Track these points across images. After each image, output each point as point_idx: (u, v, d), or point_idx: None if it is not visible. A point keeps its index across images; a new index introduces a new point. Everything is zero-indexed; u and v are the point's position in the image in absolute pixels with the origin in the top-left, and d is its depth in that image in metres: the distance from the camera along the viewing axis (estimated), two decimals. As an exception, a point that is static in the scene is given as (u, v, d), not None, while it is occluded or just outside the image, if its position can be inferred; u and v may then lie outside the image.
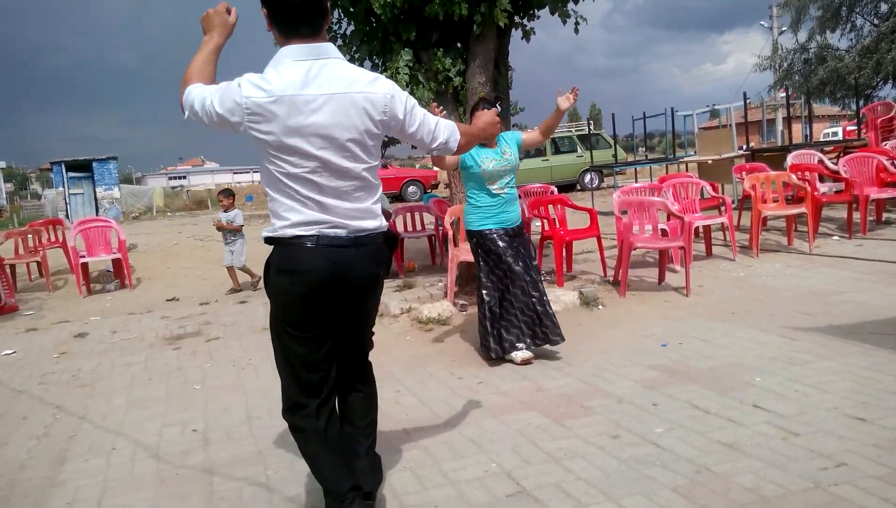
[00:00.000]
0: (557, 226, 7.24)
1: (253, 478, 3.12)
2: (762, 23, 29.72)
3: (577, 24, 6.37)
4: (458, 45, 6.14)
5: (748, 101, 13.27)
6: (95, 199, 25.61)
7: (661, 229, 6.90)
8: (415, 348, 5.13)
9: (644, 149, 21.75)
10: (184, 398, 4.45)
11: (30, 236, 10.13)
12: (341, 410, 2.57)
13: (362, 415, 2.62)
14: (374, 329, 2.63)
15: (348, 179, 2.27)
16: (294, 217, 2.23)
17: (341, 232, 2.26)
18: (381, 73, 5.01)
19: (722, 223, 7.65)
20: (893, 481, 2.53)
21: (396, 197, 22.11)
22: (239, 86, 2.15)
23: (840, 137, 22.68)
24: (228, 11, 2.37)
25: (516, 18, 6.43)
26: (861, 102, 14.02)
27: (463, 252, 5.91)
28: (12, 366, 5.52)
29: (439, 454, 3.17)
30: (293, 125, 2.16)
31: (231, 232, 8.15)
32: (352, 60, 5.40)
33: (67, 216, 22.59)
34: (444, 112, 3.73)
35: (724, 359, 4.16)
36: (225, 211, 8.26)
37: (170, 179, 65.20)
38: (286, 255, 2.26)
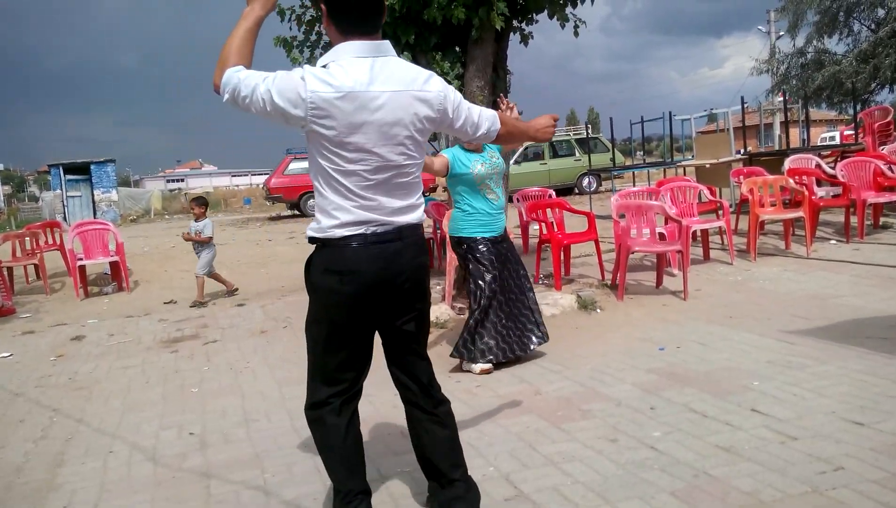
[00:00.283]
0: (555, 229, 7.25)
1: (250, 481, 3.11)
2: (760, 27, 29.82)
3: (576, 27, 6.39)
4: (457, 48, 6.15)
5: (746, 105, 13.27)
6: (93, 201, 25.60)
7: (659, 233, 6.91)
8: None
9: (642, 153, 21.80)
10: (181, 400, 4.44)
11: (27, 238, 10.10)
12: (420, 449, 2.54)
13: (447, 454, 2.51)
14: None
15: (400, 176, 2.28)
16: (343, 216, 2.23)
17: (388, 227, 2.28)
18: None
19: (720, 227, 7.66)
20: (891, 485, 2.53)
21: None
22: (303, 79, 2.12)
23: (837, 141, 22.73)
24: None
25: (514, 22, 6.44)
26: (858, 107, 14.04)
27: (461, 256, 5.91)
28: (9, 369, 5.51)
29: (437, 457, 3.15)
30: (356, 121, 2.15)
31: (198, 243, 7.92)
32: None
33: (65, 219, 22.56)
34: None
35: (721, 363, 4.17)
36: (196, 220, 8.01)
37: (168, 181, 65.16)
38: (335, 255, 2.25)
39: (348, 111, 2.14)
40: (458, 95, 2.43)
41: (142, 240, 14.60)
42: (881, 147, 10.17)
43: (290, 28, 6.45)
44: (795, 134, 20.31)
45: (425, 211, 2.57)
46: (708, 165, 11.26)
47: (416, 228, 2.37)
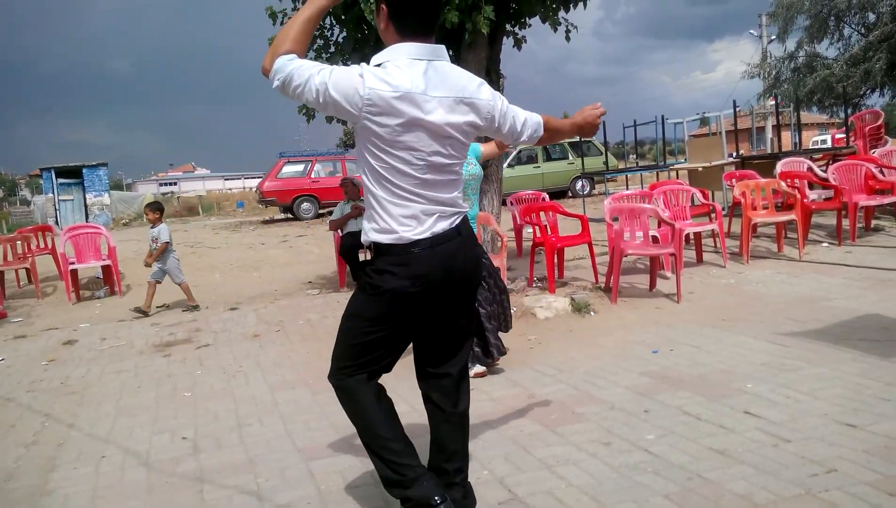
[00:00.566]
0: (549, 233, 7.26)
1: (243, 486, 3.10)
2: (751, 31, 29.99)
3: (567, 31, 6.41)
4: (450, 52, 6.16)
5: (738, 109, 13.33)
6: (85, 205, 25.53)
7: (652, 236, 6.93)
8: (406, 354, 5.10)
9: (635, 156, 21.83)
10: (174, 405, 4.42)
11: (19, 242, 10.05)
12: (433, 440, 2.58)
13: (453, 440, 2.58)
14: None
15: (446, 175, 2.30)
16: (405, 221, 2.24)
17: (444, 224, 2.30)
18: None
19: (712, 230, 7.69)
20: (884, 487, 2.54)
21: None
22: (361, 76, 2.13)
23: (829, 144, 22.85)
24: None
25: (507, 27, 6.46)
26: (849, 111, 14.13)
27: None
28: (0, 373, 5.47)
29: (431, 461, 3.15)
30: (409, 122, 2.17)
31: (155, 249, 7.61)
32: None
33: (57, 223, 22.50)
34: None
35: (715, 366, 4.18)
36: (151, 226, 7.78)
37: (160, 185, 65.04)
38: (405, 262, 2.26)
39: (403, 111, 2.15)
40: (506, 103, 2.45)
41: (134, 244, 14.52)
42: (872, 150, 10.23)
43: None
44: (787, 137, 20.40)
45: None
46: (700, 169, 11.31)
47: (467, 221, 2.41)
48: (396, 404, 2.58)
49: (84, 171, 25.76)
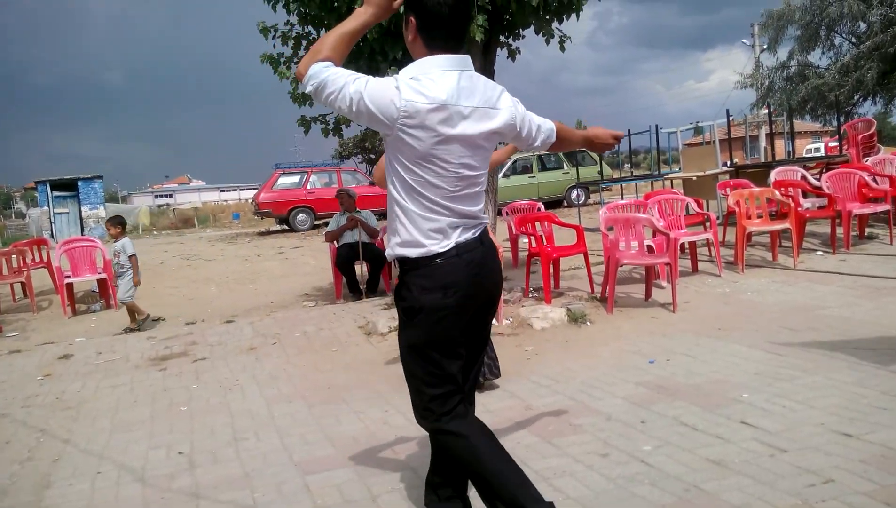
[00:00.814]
0: (545, 243, 7.27)
1: (239, 501, 3.09)
2: (744, 41, 30.24)
3: (561, 42, 6.44)
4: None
5: (731, 118, 13.41)
6: (80, 218, 25.49)
7: (648, 246, 6.95)
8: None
9: (629, 165, 21.95)
10: (169, 419, 4.40)
11: (14, 255, 10.03)
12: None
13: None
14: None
15: (472, 186, 2.31)
16: (432, 235, 2.24)
17: (470, 235, 2.30)
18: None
19: (707, 239, 7.71)
20: (880, 497, 2.54)
21: (383, 215, 22.10)
22: (398, 88, 2.13)
23: (822, 152, 22.97)
24: None
25: (501, 38, 6.48)
26: (842, 119, 14.21)
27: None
28: (-5, 389, 5.45)
29: (428, 474, 3.14)
30: (444, 134, 2.17)
31: (119, 264, 7.68)
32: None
33: (52, 236, 22.44)
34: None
35: (710, 375, 4.18)
36: (114, 240, 7.79)
37: (156, 197, 64.96)
38: (432, 273, 2.25)
39: (438, 123, 2.15)
40: (523, 107, 2.47)
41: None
42: (865, 159, 10.29)
43: (274, 46, 6.44)
44: (781, 146, 20.51)
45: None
46: (695, 178, 11.36)
47: (487, 232, 2.41)
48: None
49: (79, 183, 25.74)
